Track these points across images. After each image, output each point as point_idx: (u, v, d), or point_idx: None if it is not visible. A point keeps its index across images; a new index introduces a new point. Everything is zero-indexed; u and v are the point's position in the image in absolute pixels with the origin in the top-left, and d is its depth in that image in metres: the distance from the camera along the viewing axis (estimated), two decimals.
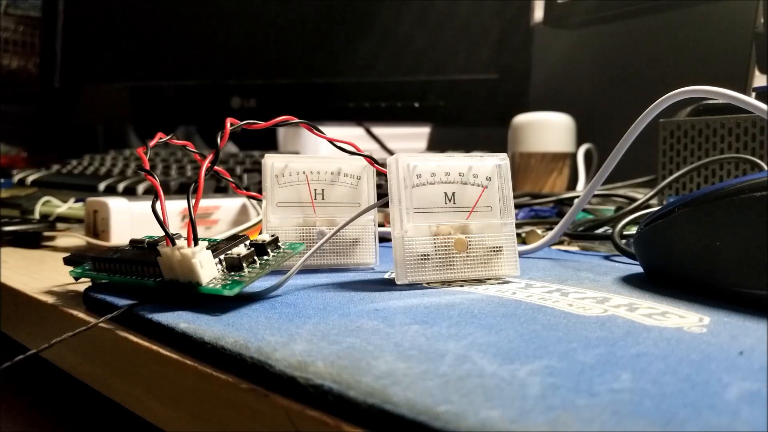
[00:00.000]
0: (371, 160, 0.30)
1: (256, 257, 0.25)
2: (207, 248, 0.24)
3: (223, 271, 0.24)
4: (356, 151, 0.29)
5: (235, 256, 0.24)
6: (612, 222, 0.39)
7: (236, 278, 0.24)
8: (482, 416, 0.13)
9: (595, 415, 0.13)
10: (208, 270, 0.23)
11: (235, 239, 0.26)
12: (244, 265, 0.24)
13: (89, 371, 0.25)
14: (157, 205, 0.24)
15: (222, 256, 0.25)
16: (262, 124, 0.27)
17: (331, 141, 0.29)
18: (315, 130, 0.29)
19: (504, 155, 0.28)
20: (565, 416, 0.13)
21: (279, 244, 0.27)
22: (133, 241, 0.27)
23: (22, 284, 0.31)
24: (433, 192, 0.27)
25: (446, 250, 0.27)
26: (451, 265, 0.27)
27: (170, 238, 0.24)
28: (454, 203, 0.27)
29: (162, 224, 0.24)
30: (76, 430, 0.38)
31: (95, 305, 0.25)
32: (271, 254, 0.26)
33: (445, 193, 0.27)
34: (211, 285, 0.23)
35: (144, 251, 0.26)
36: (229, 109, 0.82)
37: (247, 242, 0.26)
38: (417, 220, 0.27)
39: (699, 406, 0.13)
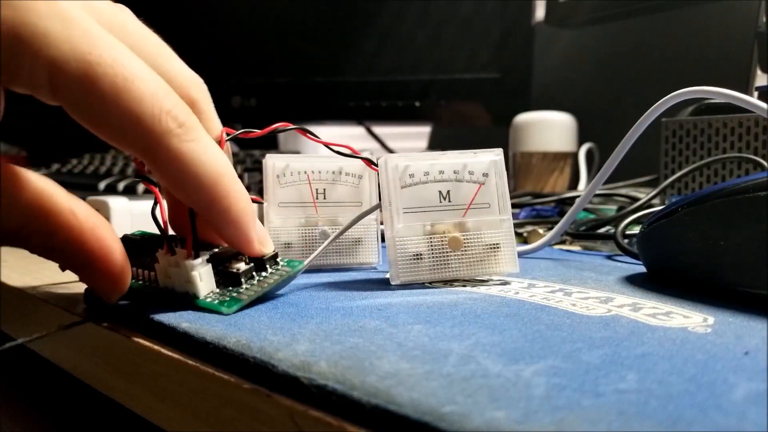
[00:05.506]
0: (368, 161, 0.30)
1: (254, 273, 0.25)
2: (207, 260, 0.23)
3: (220, 284, 0.24)
4: (352, 154, 0.29)
5: (234, 271, 0.24)
6: (614, 221, 0.39)
7: (234, 295, 0.23)
8: (487, 417, 0.13)
9: (601, 416, 0.13)
10: (206, 284, 0.23)
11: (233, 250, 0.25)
12: (243, 281, 0.24)
13: (90, 371, 0.25)
14: (157, 210, 0.24)
15: (220, 268, 0.24)
16: (257, 132, 0.27)
17: (327, 145, 0.29)
18: (310, 135, 0.29)
19: (499, 150, 0.28)
20: (571, 417, 0.13)
21: (278, 260, 0.26)
22: (125, 238, 0.26)
23: (22, 284, 0.31)
24: (428, 191, 0.27)
25: (440, 248, 0.27)
26: (446, 263, 0.27)
27: (170, 247, 0.23)
28: (450, 201, 0.27)
29: (162, 231, 0.24)
30: (77, 430, 0.38)
31: (96, 304, 0.25)
32: (270, 270, 0.25)
33: (440, 192, 0.27)
34: (208, 299, 0.23)
35: (141, 252, 0.26)
36: (229, 109, 0.82)
37: (247, 257, 0.25)
38: (409, 220, 0.26)
39: (705, 407, 0.13)
